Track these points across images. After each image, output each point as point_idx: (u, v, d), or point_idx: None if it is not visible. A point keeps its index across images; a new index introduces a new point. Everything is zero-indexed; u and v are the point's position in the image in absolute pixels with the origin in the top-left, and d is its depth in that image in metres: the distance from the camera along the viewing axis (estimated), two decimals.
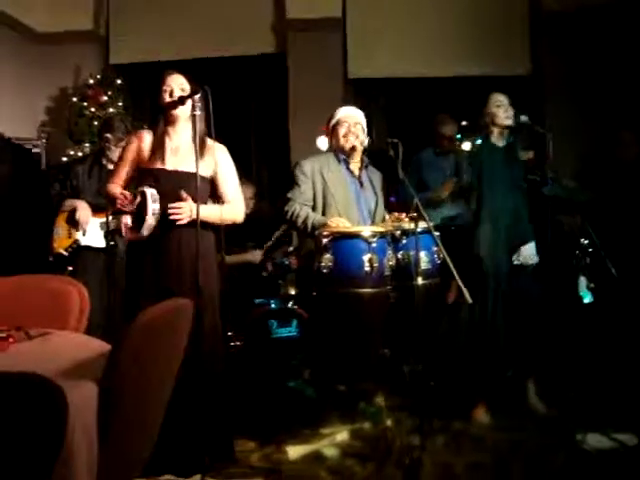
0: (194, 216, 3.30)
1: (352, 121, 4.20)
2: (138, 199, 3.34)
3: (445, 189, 5.05)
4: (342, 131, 4.17)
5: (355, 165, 4.22)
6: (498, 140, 4.33)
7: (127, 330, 2.17)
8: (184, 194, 3.35)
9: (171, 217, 3.33)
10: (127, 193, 3.41)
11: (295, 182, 4.12)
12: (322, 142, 4.26)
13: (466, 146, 5.61)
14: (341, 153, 4.19)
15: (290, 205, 4.07)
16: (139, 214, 3.35)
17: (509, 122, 4.23)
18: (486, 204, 4.29)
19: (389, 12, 7.01)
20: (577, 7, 6.53)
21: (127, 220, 3.57)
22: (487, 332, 4.20)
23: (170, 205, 3.33)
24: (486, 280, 4.20)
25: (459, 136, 5.40)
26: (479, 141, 5.41)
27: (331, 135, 4.23)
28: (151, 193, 3.30)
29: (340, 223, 3.88)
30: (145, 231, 3.35)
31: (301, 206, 4.05)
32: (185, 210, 3.34)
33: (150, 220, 3.30)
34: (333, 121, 4.23)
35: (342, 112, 4.25)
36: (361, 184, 4.21)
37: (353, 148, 4.13)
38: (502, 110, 4.24)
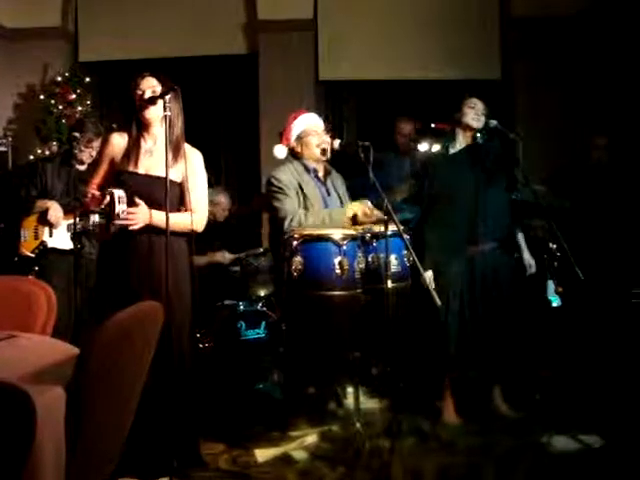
0: (154, 222, 3.30)
1: (320, 130, 4.22)
2: (107, 200, 3.30)
3: (398, 193, 5.09)
4: (315, 141, 4.17)
5: (321, 173, 4.24)
6: (462, 143, 4.33)
7: (96, 334, 2.15)
8: (137, 200, 3.32)
9: (123, 222, 3.29)
10: (97, 193, 3.38)
11: (280, 194, 4.07)
12: (280, 151, 4.23)
13: (435, 149, 5.67)
14: (311, 162, 4.19)
15: (290, 217, 3.98)
16: (108, 215, 3.32)
17: (475, 124, 4.23)
18: (443, 210, 4.27)
19: (360, 15, 7.03)
20: (546, 13, 6.61)
21: (96, 220, 3.53)
22: (457, 335, 4.20)
23: (123, 210, 3.29)
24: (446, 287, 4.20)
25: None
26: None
27: (299, 145, 4.21)
28: (118, 195, 3.26)
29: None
30: (111, 231, 3.33)
31: (301, 212, 4.02)
32: (137, 216, 3.31)
33: (116, 221, 3.27)
34: (297, 131, 4.22)
35: (308, 122, 4.25)
36: (327, 192, 4.22)
37: (324, 153, 4.14)
38: (472, 112, 4.24)
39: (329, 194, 4.22)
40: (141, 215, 3.32)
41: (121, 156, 3.45)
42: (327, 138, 4.18)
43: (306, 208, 4.07)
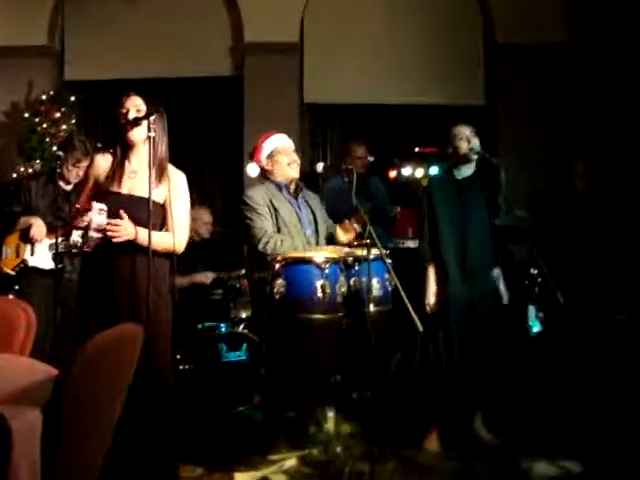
0: (138, 239, 3.28)
1: (291, 150, 4.30)
2: (88, 214, 3.29)
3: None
4: (285, 160, 4.23)
5: (292, 189, 4.28)
6: (457, 172, 4.37)
7: (75, 355, 2.13)
8: (122, 213, 3.30)
9: (107, 234, 3.27)
10: (81, 207, 3.37)
11: (253, 212, 4.09)
12: (252, 170, 4.31)
13: (419, 173, 5.70)
14: (282, 180, 4.24)
15: (265, 240, 4.00)
16: (86, 227, 3.31)
17: (470, 155, 4.27)
18: (442, 237, 4.31)
19: (346, 38, 7.09)
20: (530, 41, 6.70)
21: (75, 239, 3.50)
22: (440, 364, 4.21)
23: (108, 221, 3.28)
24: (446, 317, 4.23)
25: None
26: (434, 168, 5.50)
27: (269, 164, 4.26)
28: (99, 208, 3.25)
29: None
30: (88, 245, 3.31)
31: (280, 237, 4.03)
32: (122, 228, 3.28)
33: (92, 234, 3.26)
34: (268, 150, 4.28)
35: (279, 141, 4.31)
36: (299, 207, 4.26)
37: (295, 173, 4.23)
38: (465, 143, 4.28)
39: (300, 209, 4.26)
40: (124, 228, 3.28)
41: (104, 176, 3.44)
42: (297, 159, 4.27)
43: (279, 227, 4.09)
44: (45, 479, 2.04)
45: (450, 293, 4.22)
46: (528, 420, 4.37)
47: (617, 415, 4.29)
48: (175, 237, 3.43)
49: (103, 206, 3.26)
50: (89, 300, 3.40)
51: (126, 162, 3.45)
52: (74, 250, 3.53)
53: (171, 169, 3.46)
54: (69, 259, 4.65)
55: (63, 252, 4.46)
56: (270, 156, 4.26)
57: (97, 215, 3.23)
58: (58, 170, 4.80)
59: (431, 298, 4.28)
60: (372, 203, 5.47)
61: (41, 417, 2.05)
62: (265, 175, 4.29)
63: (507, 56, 6.91)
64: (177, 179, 3.49)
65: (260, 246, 3.99)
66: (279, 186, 4.23)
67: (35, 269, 4.73)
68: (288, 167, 4.23)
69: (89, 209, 3.25)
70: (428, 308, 4.27)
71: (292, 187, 4.28)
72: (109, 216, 3.29)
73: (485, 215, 4.27)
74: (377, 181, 5.91)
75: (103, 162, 3.46)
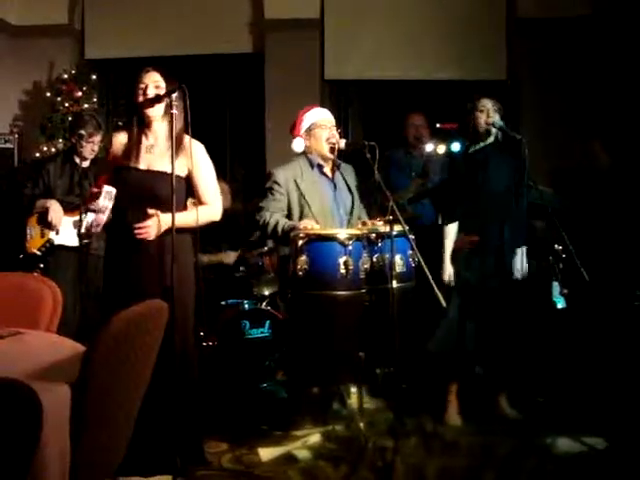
0: (162, 230, 3.31)
1: (330, 124, 4.20)
2: (99, 197, 3.34)
3: (410, 191, 5.10)
4: (324, 135, 4.15)
5: (328, 167, 4.22)
6: (477, 144, 4.33)
7: (101, 332, 2.16)
8: (150, 210, 3.32)
9: (138, 237, 3.31)
10: (94, 190, 3.41)
11: (268, 191, 4.10)
12: (298, 144, 4.21)
13: (441, 149, 5.65)
14: (317, 157, 4.18)
15: (261, 215, 4.06)
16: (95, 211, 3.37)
17: (490, 128, 4.23)
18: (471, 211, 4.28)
19: (367, 15, 7.03)
20: (552, 14, 6.60)
21: (89, 220, 3.55)
22: (461, 336, 4.20)
23: (135, 225, 3.31)
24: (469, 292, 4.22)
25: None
26: (455, 145, 5.45)
27: (308, 138, 4.20)
28: (106, 191, 3.30)
29: (309, 225, 3.87)
30: (95, 228, 3.36)
31: (271, 214, 4.03)
32: (149, 230, 3.32)
33: (100, 216, 3.31)
34: (307, 124, 4.21)
35: (318, 115, 4.24)
36: (335, 186, 4.21)
37: (332, 151, 4.13)
38: (484, 115, 4.24)
39: (336, 187, 4.21)
40: (152, 228, 3.32)
41: (123, 153, 3.46)
42: (336, 134, 4.18)
43: (302, 204, 4.07)
44: (73, 454, 2.07)
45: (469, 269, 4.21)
46: (551, 396, 4.36)
47: None
48: (209, 208, 3.50)
49: (111, 190, 3.30)
50: (115, 276, 3.43)
51: (143, 138, 3.46)
52: (88, 231, 3.56)
53: (188, 140, 3.44)
54: (95, 236, 4.68)
55: (83, 233, 4.47)
56: (309, 130, 4.20)
57: (103, 200, 3.28)
58: (78, 148, 4.83)
59: (445, 260, 4.25)
60: (426, 182, 5.41)
61: (70, 392, 2.08)
62: (304, 150, 4.22)
63: (528, 30, 6.82)
64: (196, 150, 3.49)
65: (255, 220, 4.06)
66: (312, 163, 4.17)
67: (62, 247, 4.76)
68: (326, 143, 4.13)
69: (100, 192, 3.31)
70: (447, 278, 4.24)
71: (328, 165, 4.21)
72: (130, 191, 3.33)
73: (508, 190, 4.23)
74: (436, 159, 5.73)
75: (122, 138, 3.48)
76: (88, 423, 2.13)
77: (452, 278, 4.23)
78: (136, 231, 3.30)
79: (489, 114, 4.23)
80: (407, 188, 5.13)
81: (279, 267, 4.48)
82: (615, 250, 4.92)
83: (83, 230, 3.54)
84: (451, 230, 4.25)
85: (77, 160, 4.85)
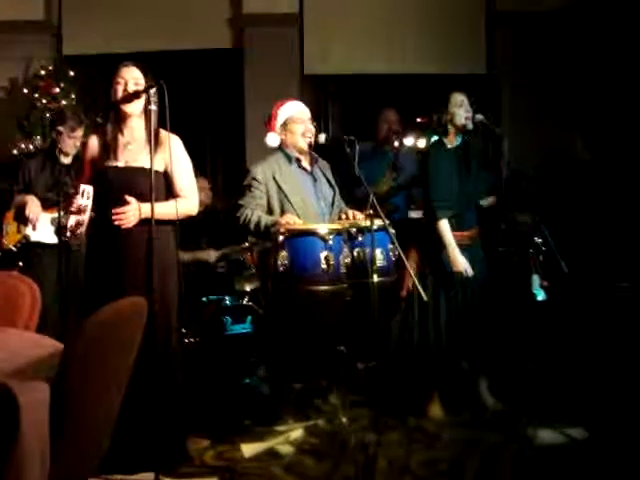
0: (143, 216, 3.30)
1: (306, 118, 4.18)
2: (77, 198, 3.35)
3: (382, 185, 5.11)
4: (300, 129, 4.13)
5: (306, 161, 4.20)
6: (452, 141, 4.33)
7: (80, 329, 2.14)
8: (128, 197, 3.31)
9: (115, 223, 3.29)
10: (71, 192, 3.42)
11: (247, 189, 4.08)
12: (272, 139, 4.18)
13: (421, 143, 5.65)
14: (294, 151, 4.16)
15: (242, 212, 4.03)
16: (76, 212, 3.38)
17: (467, 124, 4.24)
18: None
19: (346, 9, 7.03)
20: (532, 8, 6.63)
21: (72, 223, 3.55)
22: (440, 329, 4.22)
23: (113, 211, 3.30)
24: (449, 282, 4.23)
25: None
26: (434, 138, 5.45)
27: (283, 133, 4.18)
28: (83, 190, 3.31)
29: (291, 220, 3.86)
30: (79, 228, 3.37)
31: (252, 211, 4.01)
32: (128, 214, 3.31)
33: (82, 216, 3.31)
34: (282, 119, 4.18)
35: (293, 109, 4.20)
36: (315, 179, 4.20)
37: (310, 145, 4.12)
38: (463, 110, 4.24)
39: (316, 181, 4.20)
40: (131, 213, 3.31)
41: (99, 153, 3.44)
42: (312, 127, 4.16)
43: (282, 199, 4.05)
44: (53, 453, 2.05)
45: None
46: (532, 388, 4.39)
47: (621, 382, 4.31)
48: (185, 202, 3.47)
49: (87, 189, 3.33)
50: (97, 273, 3.42)
51: (119, 135, 3.44)
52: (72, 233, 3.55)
53: (164, 134, 3.43)
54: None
55: (68, 236, 4.41)
56: (284, 124, 4.17)
57: (81, 197, 3.29)
58: (60, 144, 4.82)
59: (455, 252, 4.20)
60: (398, 176, 5.42)
61: (48, 391, 2.06)
62: (280, 145, 4.20)
63: (508, 24, 6.86)
64: (173, 144, 3.46)
65: (236, 218, 4.02)
66: (290, 158, 4.16)
67: (38, 244, 4.74)
68: (301, 137, 4.12)
69: (76, 192, 3.32)
70: (462, 269, 4.19)
71: (306, 159, 4.20)
72: (110, 189, 3.32)
73: (480, 184, 4.26)
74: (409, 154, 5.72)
75: (96, 140, 3.48)
76: (67, 421, 2.11)
77: (468, 268, 4.19)
78: (114, 217, 3.28)
79: (467, 109, 4.24)
80: (378, 183, 5.12)
81: (259, 262, 4.46)
82: (595, 242, 4.96)
83: (68, 234, 3.52)
84: (446, 224, 4.23)
85: (59, 156, 4.82)
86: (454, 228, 4.22)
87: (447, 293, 4.23)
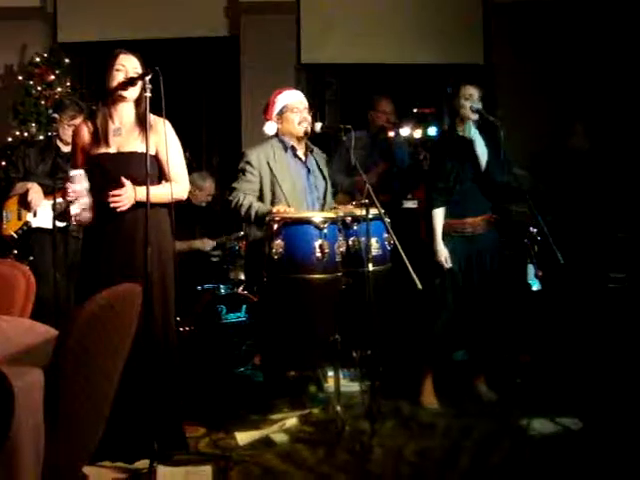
0: (137, 198, 3.30)
1: (303, 107, 4.17)
2: (71, 186, 3.34)
3: (374, 174, 5.11)
4: (296, 118, 4.12)
5: (301, 151, 4.20)
6: (463, 131, 4.31)
7: (74, 316, 2.13)
8: (123, 180, 3.31)
9: (111, 205, 3.29)
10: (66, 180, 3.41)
11: (241, 172, 4.08)
12: (270, 128, 4.17)
13: (417, 133, 5.65)
14: (290, 140, 4.16)
15: (234, 195, 4.04)
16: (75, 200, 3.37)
17: (473, 116, 4.22)
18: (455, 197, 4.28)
19: None
20: None
21: (74, 209, 3.53)
22: (439, 317, 4.22)
23: (110, 193, 3.30)
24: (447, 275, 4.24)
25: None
26: (432, 129, 5.45)
27: (280, 121, 4.17)
28: (73, 175, 3.32)
29: (282, 210, 3.85)
30: (83, 214, 3.36)
31: (245, 195, 4.01)
32: (123, 197, 3.31)
33: (81, 201, 3.32)
34: (279, 107, 4.17)
35: (290, 98, 4.20)
36: (308, 170, 4.20)
37: (306, 134, 4.11)
38: (469, 103, 4.22)
39: (310, 171, 4.20)
40: (126, 196, 3.31)
41: (90, 140, 3.43)
42: (308, 116, 4.15)
43: (273, 185, 4.05)
44: (47, 439, 2.05)
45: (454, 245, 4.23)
46: (527, 378, 4.40)
47: (616, 373, 4.32)
48: (175, 186, 3.44)
49: (78, 172, 3.33)
50: (93, 258, 3.41)
51: (109, 121, 3.44)
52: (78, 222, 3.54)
53: (153, 118, 3.41)
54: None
55: (64, 212, 4.40)
56: (281, 113, 4.16)
57: (75, 184, 3.29)
58: (55, 133, 4.85)
59: (436, 241, 4.22)
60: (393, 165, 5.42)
61: (43, 377, 2.05)
62: (277, 132, 4.19)
63: (505, 14, 6.84)
64: (162, 127, 3.43)
65: (232, 205, 4.04)
66: (285, 146, 4.15)
67: (40, 229, 4.74)
68: (298, 126, 4.11)
69: (69, 180, 3.31)
70: (443, 259, 4.19)
71: (301, 148, 4.19)
72: (103, 175, 3.33)
73: (486, 172, 4.24)
74: (403, 144, 5.70)
75: (85, 128, 3.48)
76: (62, 407, 2.11)
77: (448, 259, 4.20)
78: (110, 199, 3.28)
79: (475, 102, 4.22)
80: (371, 172, 5.11)
81: (247, 252, 4.45)
82: (590, 233, 4.96)
83: (73, 222, 3.51)
84: (439, 214, 4.23)
85: (59, 144, 4.83)
86: (455, 216, 4.21)
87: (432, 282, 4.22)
